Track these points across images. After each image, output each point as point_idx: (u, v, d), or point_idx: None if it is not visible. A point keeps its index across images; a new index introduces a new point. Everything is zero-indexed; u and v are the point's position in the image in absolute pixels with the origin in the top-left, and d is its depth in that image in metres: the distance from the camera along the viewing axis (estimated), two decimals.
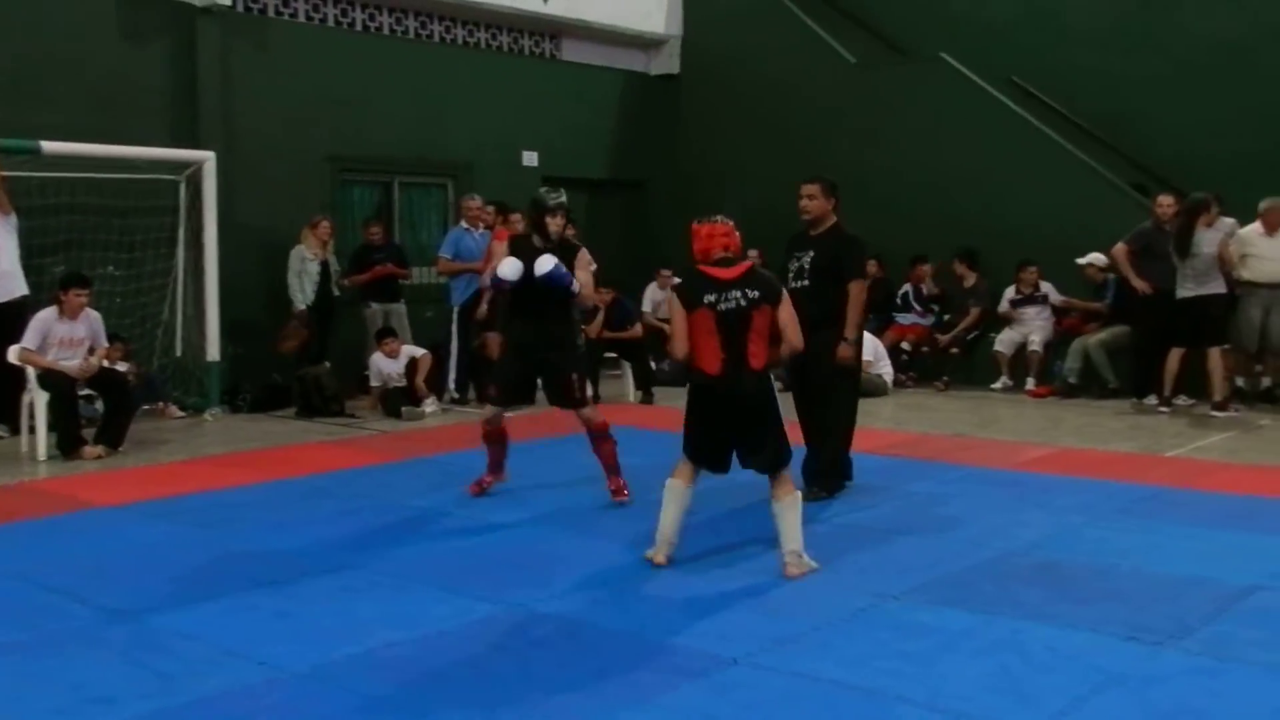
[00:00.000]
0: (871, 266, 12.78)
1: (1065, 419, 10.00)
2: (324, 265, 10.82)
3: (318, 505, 6.67)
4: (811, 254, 6.90)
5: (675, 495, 5.42)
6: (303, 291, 10.66)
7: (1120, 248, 10.48)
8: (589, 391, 7.04)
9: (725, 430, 5.43)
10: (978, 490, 7.09)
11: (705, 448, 5.46)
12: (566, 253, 6.55)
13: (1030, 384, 11.54)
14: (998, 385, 11.79)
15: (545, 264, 6.28)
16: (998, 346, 11.93)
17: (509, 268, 6.34)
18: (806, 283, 6.83)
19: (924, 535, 6.00)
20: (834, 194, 7.03)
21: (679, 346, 5.41)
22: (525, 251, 6.47)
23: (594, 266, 6.97)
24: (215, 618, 4.73)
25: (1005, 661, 4.19)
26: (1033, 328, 11.72)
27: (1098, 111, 12.66)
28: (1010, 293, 11.95)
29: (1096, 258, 11.33)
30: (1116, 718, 3.73)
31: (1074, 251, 11.41)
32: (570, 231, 6.92)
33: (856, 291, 6.83)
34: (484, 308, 10.47)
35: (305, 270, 10.67)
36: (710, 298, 5.30)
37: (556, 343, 6.62)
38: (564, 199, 6.66)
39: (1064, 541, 5.85)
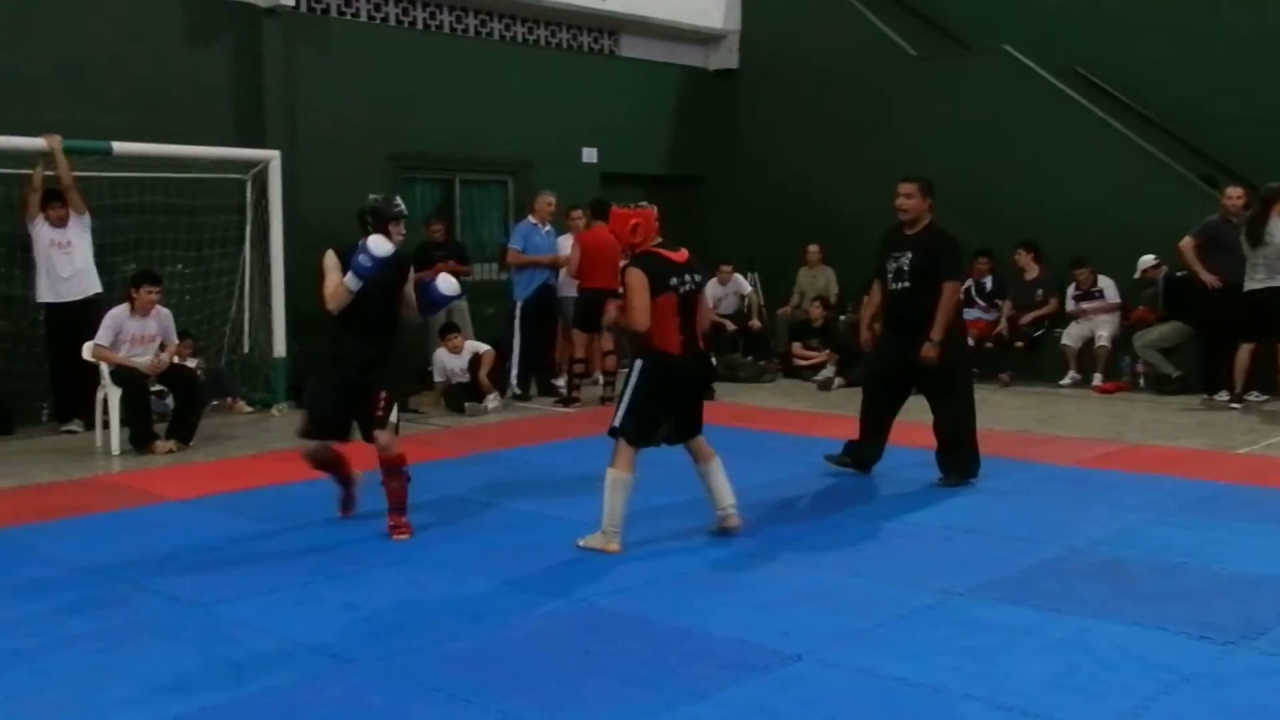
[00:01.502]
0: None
1: (1133, 415, 9.86)
2: None
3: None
4: (910, 255, 6.97)
5: (624, 486, 5.58)
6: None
7: (1187, 241, 10.31)
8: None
9: (678, 406, 5.74)
10: (1041, 487, 7.01)
11: (654, 424, 5.68)
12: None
13: (1097, 379, 11.39)
14: (1066, 381, 11.64)
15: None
16: (1065, 341, 11.78)
17: (380, 245, 5.78)
18: (907, 284, 6.96)
19: (987, 532, 5.95)
20: (930, 193, 7.07)
21: (641, 319, 5.58)
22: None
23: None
24: (283, 609, 4.82)
25: (1071, 659, 4.15)
26: (1099, 322, 11.56)
27: (1163, 101, 12.47)
28: (1071, 289, 11.80)
29: (1146, 260, 11.17)
30: (1188, 717, 3.69)
31: (1138, 245, 11.24)
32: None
33: (949, 292, 6.88)
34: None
35: None
36: (674, 280, 5.65)
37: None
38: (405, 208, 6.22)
39: (1130, 539, 5.78)
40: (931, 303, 6.82)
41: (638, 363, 5.71)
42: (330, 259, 5.98)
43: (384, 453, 5.95)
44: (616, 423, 5.66)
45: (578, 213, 11.41)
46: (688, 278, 5.72)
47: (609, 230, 6.10)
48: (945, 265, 6.92)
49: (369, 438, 5.96)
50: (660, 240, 5.83)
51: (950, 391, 7.08)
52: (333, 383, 5.97)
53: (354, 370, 5.89)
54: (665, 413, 5.71)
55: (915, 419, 9.29)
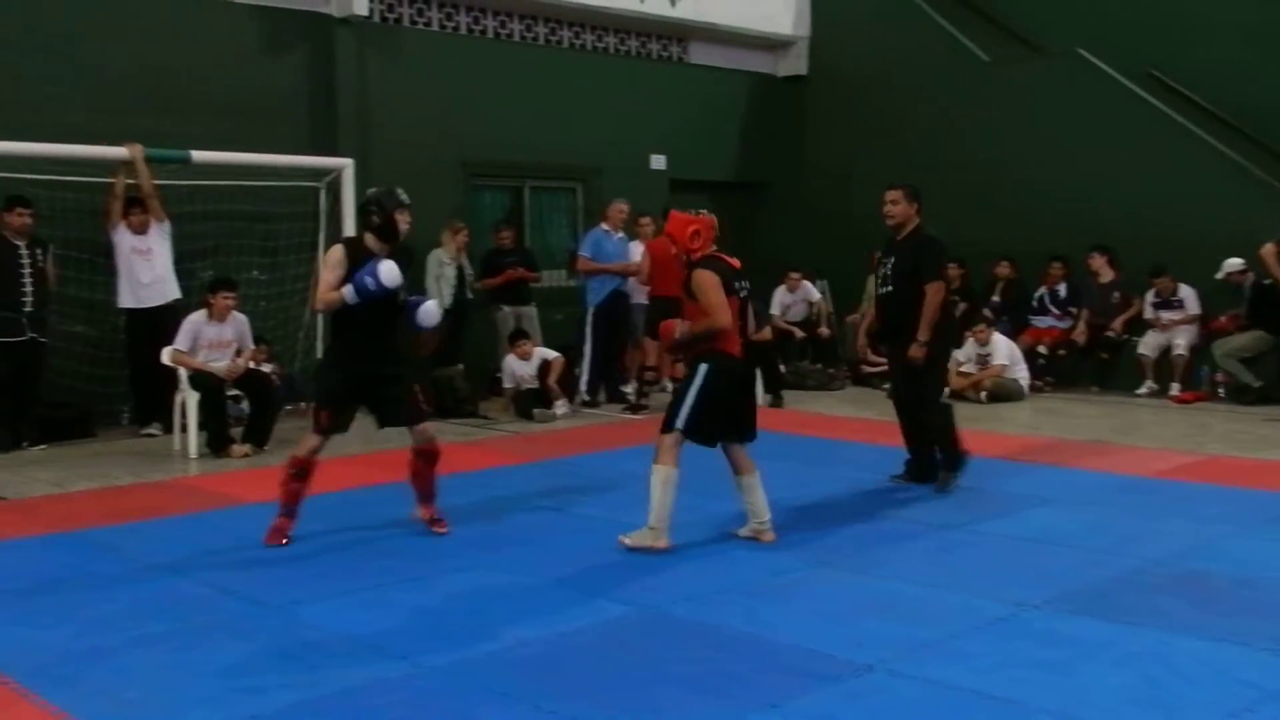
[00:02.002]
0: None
1: (1212, 425, 9.66)
2: (459, 269, 11.03)
3: (452, 504, 6.79)
4: (893, 259, 7.14)
5: (673, 483, 5.69)
6: (439, 295, 10.87)
7: (1269, 248, 10.09)
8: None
9: (735, 407, 5.84)
10: (1118, 498, 6.89)
11: (717, 426, 5.79)
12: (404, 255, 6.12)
13: (1175, 389, 11.17)
14: (1143, 390, 11.43)
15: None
16: (1141, 350, 11.57)
17: (390, 274, 5.70)
18: (890, 289, 7.13)
19: (1062, 543, 5.86)
20: (917, 199, 7.23)
21: (724, 317, 5.71)
22: (365, 258, 5.81)
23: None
24: (356, 611, 4.87)
25: (1149, 673, 4.07)
26: (1176, 331, 11.35)
27: (1241, 104, 12.22)
28: (1150, 297, 11.59)
29: (1233, 264, 10.93)
30: None
31: (1218, 251, 11.01)
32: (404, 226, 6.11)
33: (931, 293, 6.95)
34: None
35: (442, 274, 10.89)
36: (735, 284, 5.84)
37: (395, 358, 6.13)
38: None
39: (1210, 552, 5.67)
40: (913, 306, 6.93)
41: (702, 365, 5.76)
42: (334, 255, 5.89)
43: (430, 443, 6.12)
44: (680, 424, 5.71)
45: (646, 219, 11.43)
46: (743, 284, 5.92)
47: (666, 233, 6.11)
48: (926, 267, 7.00)
49: (408, 427, 6.08)
50: (716, 247, 5.98)
51: (927, 394, 7.12)
52: (346, 374, 5.97)
53: (368, 362, 5.94)
54: (724, 414, 5.80)
55: (983, 427, 9.20)
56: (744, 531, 5.98)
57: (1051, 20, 13.62)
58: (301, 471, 5.96)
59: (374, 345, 5.97)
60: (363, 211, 6.01)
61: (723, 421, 5.82)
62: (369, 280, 5.66)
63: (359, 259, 5.79)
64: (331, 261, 5.85)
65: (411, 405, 6.10)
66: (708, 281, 5.72)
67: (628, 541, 5.73)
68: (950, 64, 13.44)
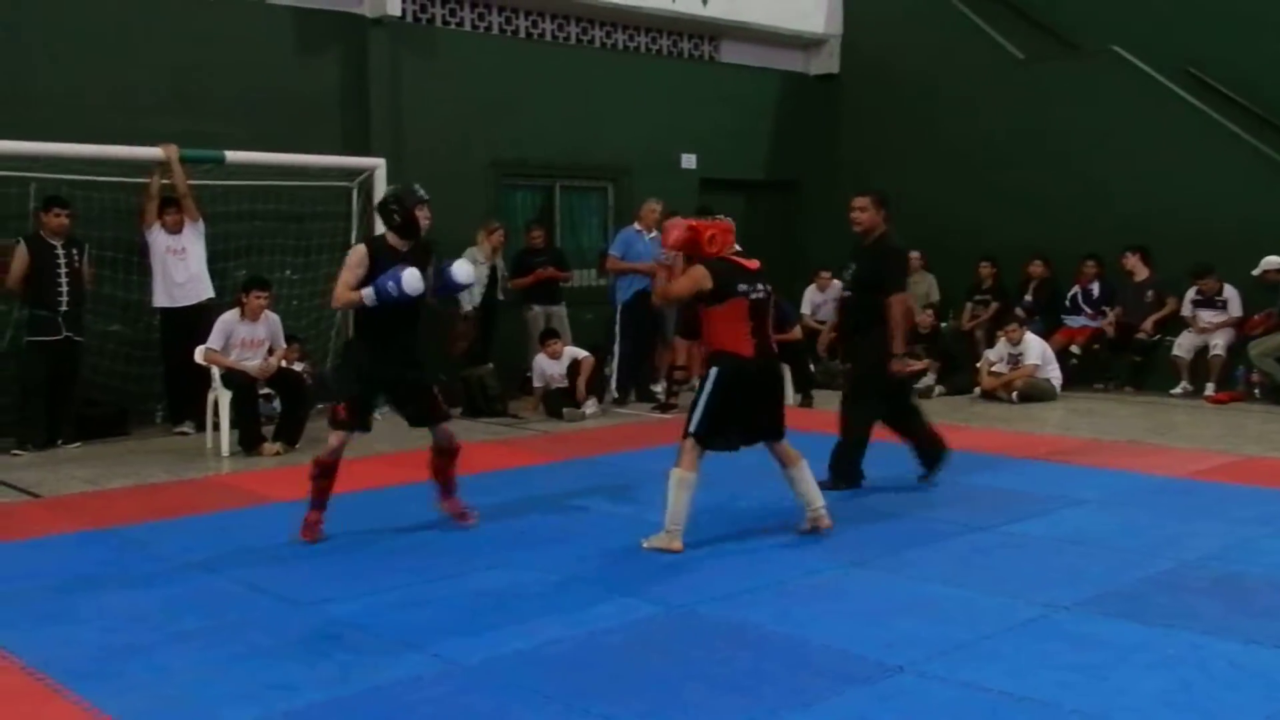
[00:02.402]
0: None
1: (1247, 426, 9.57)
2: (492, 269, 11.06)
3: (483, 503, 6.81)
4: (855, 265, 7.22)
5: (689, 486, 5.73)
6: (470, 295, 10.90)
7: None
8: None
9: (750, 409, 5.86)
10: (1151, 499, 6.84)
11: (728, 428, 5.82)
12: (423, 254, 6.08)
13: (1210, 389, 11.06)
14: (1177, 390, 11.33)
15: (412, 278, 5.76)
16: (1176, 351, 11.46)
17: (412, 281, 5.71)
18: (850, 293, 7.32)
19: (1095, 544, 5.82)
20: (884, 206, 7.27)
21: (676, 294, 6.03)
22: (387, 256, 5.86)
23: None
24: (388, 610, 4.89)
25: (1185, 677, 4.03)
26: (1215, 332, 11.23)
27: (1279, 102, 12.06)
28: (1191, 294, 11.47)
29: (1271, 261, 10.80)
30: None
31: (1257, 250, 10.89)
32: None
33: (896, 304, 6.96)
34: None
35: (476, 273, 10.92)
36: (743, 287, 5.82)
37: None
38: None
39: (1244, 553, 5.61)
40: (867, 312, 7.01)
41: (712, 370, 5.84)
42: (355, 255, 5.93)
43: (451, 441, 6.26)
44: (691, 428, 5.77)
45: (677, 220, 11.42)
46: (759, 286, 5.89)
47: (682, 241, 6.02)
48: (890, 279, 7.05)
49: (431, 427, 6.23)
50: (737, 250, 6.01)
51: (857, 397, 7.19)
52: (370, 374, 5.99)
53: (389, 365, 5.98)
54: (738, 414, 5.82)
55: (1015, 427, 9.17)
56: (804, 525, 6.02)
57: (1087, 18, 13.51)
58: (326, 471, 6.01)
59: (396, 344, 6.01)
60: (383, 209, 6.04)
61: (739, 424, 5.84)
62: (390, 286, 5.70)
63: (382, 258, 5.82)
64: (352, 261, 5.89)
65: (433, 407, 6.21)
66: (693, 271, 5.82)
67: (645, 544, 5.77)
68: (984, 62, 13.35)
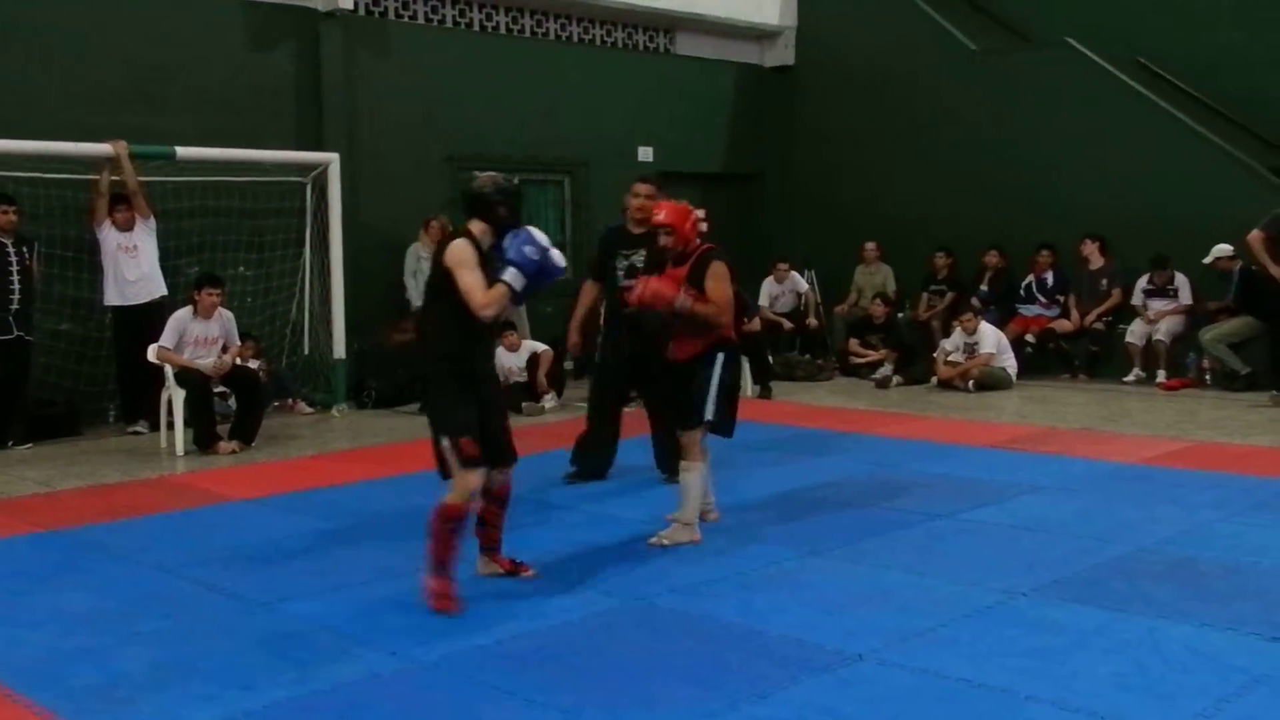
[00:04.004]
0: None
1: (1199, 412, 9.69)
2: None
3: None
4: (644, 253, 6.67)
5: (705, 476, 5.81)
6: (418, 290, 10.86)
7: (1255, 234, 10.09)
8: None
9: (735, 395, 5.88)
10: (1106, 485, 6.91)
11: (733, 414, 5.82)
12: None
13: (1161, 376, 11.20)
14: (1130, 378, 11.46)
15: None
16: (1129, 338, 11.60)
17: (542, 235, 4.96)
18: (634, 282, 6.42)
19: (1052, 531, 5.87)
20: (663, 194, 6.98)
21: (730, 313, 5.77)
22: (479, 251, 4.94)
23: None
24: (346, 608, 4.86)
25: (1140, 660, 4.08)
26: (1161, 315, 11.38)
27: (1231, 92, 12.24)
28: (1143, 283, 11.60)
29: (1222, 249, 10.95)
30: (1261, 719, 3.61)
31: (1207, 238, 11.03)
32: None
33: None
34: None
35: (420, 269, 10.89)
36: None
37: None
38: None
39: (1198, 538, 5.68)
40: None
41: (719, 354, 5.71)
42: (466, 252, 4.85)
43: (507, 485, 5.21)
44: (710, 415, 5.66)
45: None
46: None
47: (664, 223, 5.84)
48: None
49: (502, 468, 5.12)
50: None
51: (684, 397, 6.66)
52: (473, 398, 4.96)
53: (484, 387, 5.10)
54: (734, 402, 5.82)
55: (972, 416, 9.25)
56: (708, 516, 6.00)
57: (1040, 9, 13.64)
58: (460, 522, 4.88)
59: (487, 363, 5.31)
60: (485, 201, 4.97)
61: (734, 410, 5.83)
62: (528, 249, 4.83)
63: (481, 251, 4.91)
64: (470, 260, 4.83)
65: (511, 440, 5.17)
66: (724, 274, 5.71)
67: (666, 541, 5.67)
68: (938, 53, 13.43)
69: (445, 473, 4.91)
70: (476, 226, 4.99)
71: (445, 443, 4.87)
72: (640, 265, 6.71)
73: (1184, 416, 9.47)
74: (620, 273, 6.96)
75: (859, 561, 5.41)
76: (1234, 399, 10.24)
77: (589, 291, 7.29)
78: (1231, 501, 6.36)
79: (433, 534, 4.85)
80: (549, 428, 9.70)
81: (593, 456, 7.29)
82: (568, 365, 10.97)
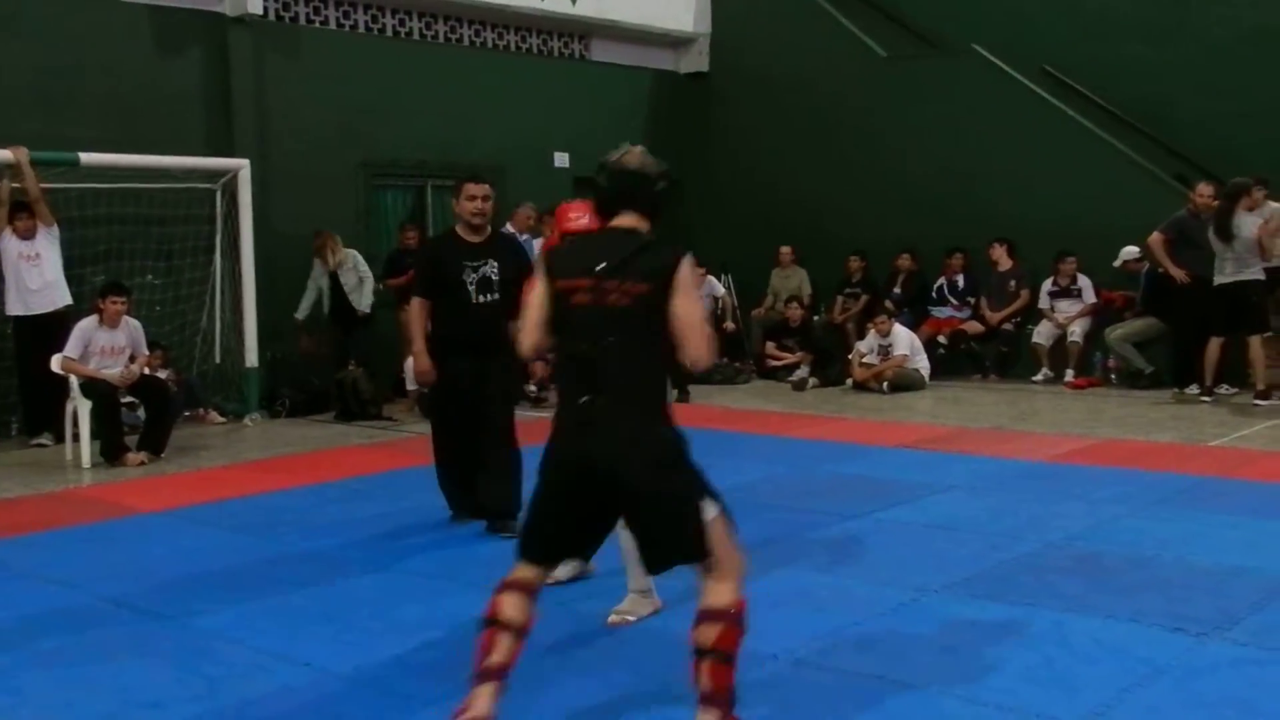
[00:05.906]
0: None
1: (1105, 410, 9.92)
2: (333, 276, 10.92)
3: (357, 508, 6.71)
4: (495, 264, 6.17)
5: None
6: (305, 303, 11.00)
7: (1156, 237, 10.38)
8: None
9: None
10: (1016, 483, 7.04)
11: None
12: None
13: (1069, 375, 11.46)
14: (1038, 378, 11.71)
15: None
16: (1036, 339, 11.86)
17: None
18: (496, 296, 6.09)
19: (963, 529, 5.97)
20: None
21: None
22: None
23: None
24: (259, 620, 4.78)
25: (1048, 654, 4.17)
26: (1071, 319, 11.64)
27: (1134, 100, 12.55)
28: (1048, 285, 11.87)
29: (1129, 252, 11.25)
30: (1162, 709, 3.70)
31: (1112, 242, 11.32)
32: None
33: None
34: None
35: (320, 285, 10.92)
36: None
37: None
38: None
39: (1104, 533, 5.81)
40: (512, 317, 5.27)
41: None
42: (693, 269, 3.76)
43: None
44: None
45: (526, 210, 11.50)
46: None
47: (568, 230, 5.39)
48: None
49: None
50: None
51: (509, 427, 6.16)
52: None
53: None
54: None
55: (886, 417, 9.36)
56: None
57: (949, 17, 13.86)
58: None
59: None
60: (648, 186, 3.96)
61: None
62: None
63: None
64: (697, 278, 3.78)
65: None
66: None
67: (630, 618, 4.69)
68: (849, 60, 13.61)
69: (702, 553, 3.40)
70: (631, 221, 3.67)
71: (713, 513, 3.44)
72: (496, 276, 6.09)
73: (1091, 415, 9.69)
74: (471, 287, 6.10)
75: (772, 562, 5.42)
76: (1139, 397, 10.51)
77: (422, 310, 6.29)
78: (1136, 497, 6.52)
79: (731, 659, 3.38)
80: None
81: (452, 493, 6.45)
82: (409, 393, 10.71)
